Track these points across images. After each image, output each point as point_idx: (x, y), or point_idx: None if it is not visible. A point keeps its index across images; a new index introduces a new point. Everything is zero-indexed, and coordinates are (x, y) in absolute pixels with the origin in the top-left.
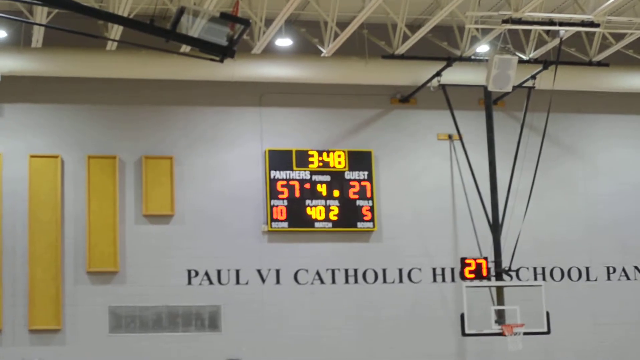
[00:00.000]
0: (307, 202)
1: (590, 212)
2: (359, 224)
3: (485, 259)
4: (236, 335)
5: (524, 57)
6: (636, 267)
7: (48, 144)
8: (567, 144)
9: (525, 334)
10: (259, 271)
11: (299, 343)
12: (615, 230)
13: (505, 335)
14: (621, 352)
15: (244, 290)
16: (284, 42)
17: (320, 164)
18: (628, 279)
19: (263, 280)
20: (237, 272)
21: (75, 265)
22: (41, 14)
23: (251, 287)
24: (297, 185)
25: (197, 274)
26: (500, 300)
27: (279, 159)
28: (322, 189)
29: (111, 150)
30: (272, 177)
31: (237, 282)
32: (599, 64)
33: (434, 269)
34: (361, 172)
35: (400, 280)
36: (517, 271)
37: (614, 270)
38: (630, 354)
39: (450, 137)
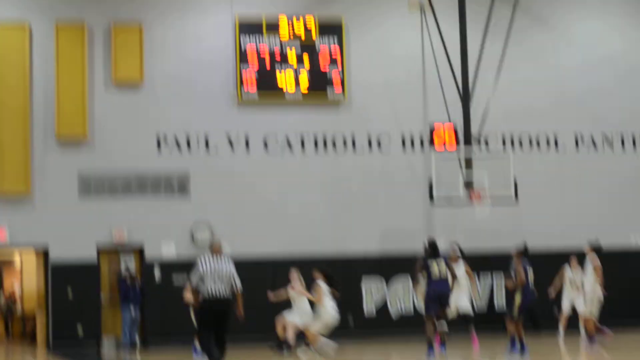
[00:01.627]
0: (277, 70)
1: (560, 83)
2: (329, 93)
3: (455, 126)
4: (204, 201)
5: None
6: (605, 137)
7: (14, 9)
8: (538, 15)
9: (492, 200)
10: (228, 138)
11: (268, 210)
12: (584, 101)
13: (473, 202)
14: (588, 219)
15: (213, 157)
16: None
17: (291, 31)
18: (596, 148)
19: (232, 147)
20: (207, 138)
21: (44, 131)
22: None
23: (220, 154)
24: (267, 52)
25: (166, 140)
26: (468, 166)
27: (249, 26)
28: (292, 57)
29: (79, 17)
30: (242, 43)
31: (207, 149)
32: None
33: (403, 138)
34: (332, 40)
35: (370, 148)
36: (485, 139)
37: (583, 140)
38: (596, 221)
39: (421, 7)
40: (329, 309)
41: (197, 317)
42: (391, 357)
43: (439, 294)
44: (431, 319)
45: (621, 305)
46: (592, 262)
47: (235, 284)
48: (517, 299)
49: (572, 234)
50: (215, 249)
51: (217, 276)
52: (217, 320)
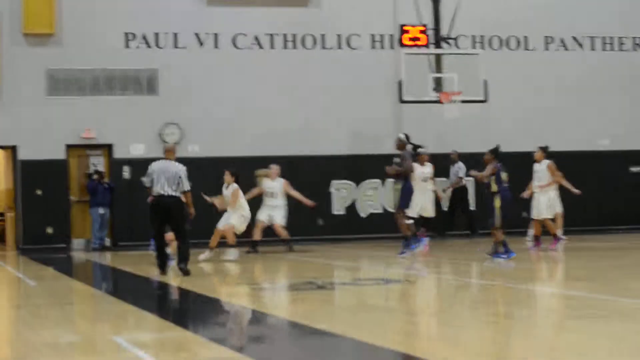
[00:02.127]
0: None
1: None
2: None
3: (425, 26)
4: (173, 99)
5: None
6: (574, 38)
7: None
8: None
9: (462, 101)
10: (197, 37)
11: (238, 108)
12: (554, 3)
13: (442, 103)
14: (557, 119)
15: (182, 54)
16: None
17: None
18: (566, 49)
19: (201, 46)
20: (175, 35)
21: (10, 27)
22: None
23: (189, 51)
24: None
25: (134, 37)
26: (438, 68)
27: None
28: None
29: None
30: None
31: (175, 46)
32: None
33: (372, 36)
34: None
35: (339, 47)
36: (456, 39)
37: (552, 40)
38: (564, 120)
39: None
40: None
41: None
42: (361, 257)
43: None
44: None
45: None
46: (548, 165)
47: (182, 183)
48: (497, 202)
49: (540, 134)
50: (167, 152)
51: (165, 176)
52: (163, 217)
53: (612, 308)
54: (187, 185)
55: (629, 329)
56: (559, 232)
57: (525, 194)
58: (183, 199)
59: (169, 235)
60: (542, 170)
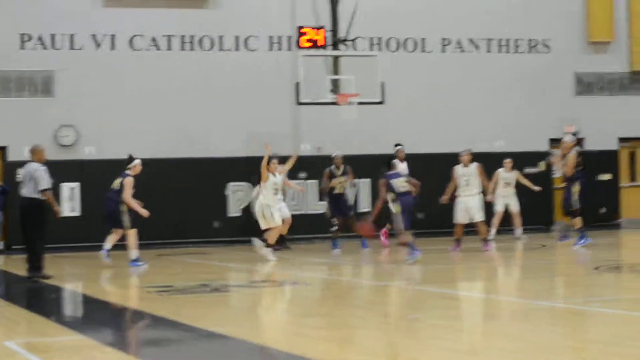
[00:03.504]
0: None
1: None
2: None
3: (323, 28)
4: (70, 101)
5: None
6: (471, 40)
7: None
8: None
9: (359, 103)
10: (93, 36)
11: (135, 109)
12: (451, 3)
13: (339, 105)
14: (453, 120)
15: (78, 56)
16: None
17: None
18: (462, 51)
19: (98, 46)
20: (72, 37)
21: None
22: None
23: (86, 52)
24: None
25: (30, 38)
26: (336, 69)
27: None
28: None
29: None
30: None
31: (72, 48)
32: None
33: (270, 37)
34: None
35: (237, 48)
36: (353, 41)
37: (449, 42)
38: (460, 122)
39: None
40: None
41: None
42: (256, 259)
43: None
44: None
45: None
46: (477, 168)
47: (38, 182)
48: (396, 208)
49: (439, 137)
50: (30, 153)
51: (27, 178)
52: (22, 219)
53: (508, 308)
54: (43, 184)
55: (523, 328)
56: (519, 231)
57: (444, 199)
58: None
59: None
60: (471, 173)
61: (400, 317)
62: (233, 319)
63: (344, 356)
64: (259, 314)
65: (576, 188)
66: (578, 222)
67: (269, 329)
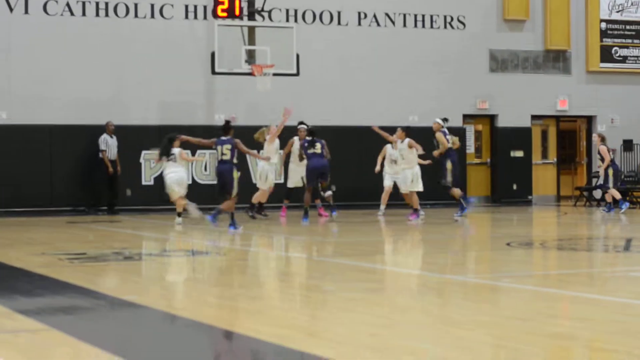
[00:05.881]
0: None
1: None
2: None
3: None
4: None
5: None
6: (387, 14)
7: None
8: None
9: (274, 74)
10: (7, 2)
11: (47, 75)
12: None
13: (254, 75)
14: (368, 94)
15: None
16: None
17: None
18: (378, 25)
19: (11, 9)
20: None
21: None
22: None
23: None
24: None
25: None
26: (251, 40)
27: None
28: None
29: None
30: None
31: None
32: None
33: (186, 5)
34: None
35: (152, 16)
36: (269, 12)
37: (365, 16)
38: (375, 96)
39: None
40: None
41: None
42: (169, 229)
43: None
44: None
45: None
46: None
47: None
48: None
49: (352, 109)
50: None
51: None
52: None
53: (422, 282)
54: None
55: (437, 302)
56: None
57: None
58: None
59: None
60: (404, 148)
61: (314, 289)
62: (147, 288)
63: (253, 326)
64: (173, 283)
65: (449, 165)
66: (456, 193)
67: (184, 299)
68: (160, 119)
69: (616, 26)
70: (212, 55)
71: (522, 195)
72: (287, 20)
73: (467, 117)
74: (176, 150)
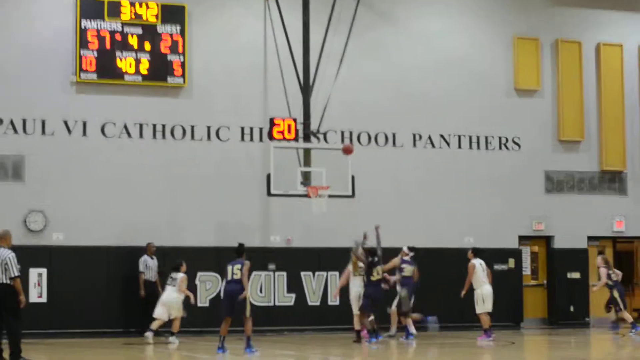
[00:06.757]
0: (118, 53)
1: (400, 80)
2: (169, 79)
3: (294, 120)
4: (40, 186)
5: None
6: (442, 136)
7: None
8: (381, 10)
9: (330, 196)
10: (65, 122)
11: (105, 197)
12: (423, 100)
13: (310, 197)
14: (423, 216)
15: (49, 141)
16: None
17: (133, 15)
18: (433, 146)
19: (69, 132)
20: (43, 122)
21: None
22: None
23: (57, 138)
24: (107, 36)
25: (1, 122)
26: (307, 162)
27: (91, 8)
28: (133, 41)
29: None
30: (82, 26)
31: (43, 133)
32: None
33: (242, 128)
34: (174, 27)
35: (209, 138)
36: (325, 134)
37: (420, 137)
38: (430, 217)
39: None
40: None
41: None
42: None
43: None
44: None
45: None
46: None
47: (10, 269)
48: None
49: (407, 231)
50: (1, 240)
51: None
52: None
53: None
54: (14, 271)
55: None
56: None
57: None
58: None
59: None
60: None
61: None
62: None
63: None
64: None
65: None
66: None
67: None
68: (216, 241)
69: None
70: (268, 177)
71: (579, 317)
72: (343, 141)
73: (522, 239)
74: (179, 275)
